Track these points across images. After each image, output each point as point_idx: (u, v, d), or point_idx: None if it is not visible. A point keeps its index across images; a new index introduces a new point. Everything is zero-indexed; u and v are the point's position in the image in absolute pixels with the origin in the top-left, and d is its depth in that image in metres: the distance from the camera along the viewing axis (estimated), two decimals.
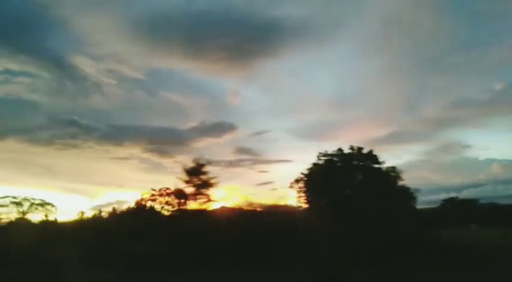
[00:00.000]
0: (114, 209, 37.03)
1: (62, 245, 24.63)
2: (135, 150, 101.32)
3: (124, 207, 38.88)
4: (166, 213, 27.00)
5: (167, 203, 26.51)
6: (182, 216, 24.85)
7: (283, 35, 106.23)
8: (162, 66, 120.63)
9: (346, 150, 31.89)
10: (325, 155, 32.73)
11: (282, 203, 36.24)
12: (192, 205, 24.81)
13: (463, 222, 61.14)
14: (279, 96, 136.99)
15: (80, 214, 42.25)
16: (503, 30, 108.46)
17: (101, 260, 21.09)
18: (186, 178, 24.95)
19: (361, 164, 30.67)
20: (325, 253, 19.15)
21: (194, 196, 24.58)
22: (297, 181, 32.78)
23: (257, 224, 23.73)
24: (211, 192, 25.08)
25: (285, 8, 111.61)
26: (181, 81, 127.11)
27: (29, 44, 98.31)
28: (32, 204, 38.22)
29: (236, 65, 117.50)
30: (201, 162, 25.48)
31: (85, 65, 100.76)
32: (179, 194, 25.13)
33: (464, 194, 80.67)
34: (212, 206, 25.72)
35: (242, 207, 31.63)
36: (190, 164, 25.12)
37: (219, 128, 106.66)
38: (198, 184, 24.73)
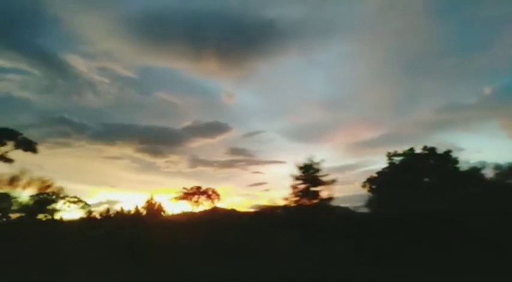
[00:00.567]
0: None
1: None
2: (128, 150, 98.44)
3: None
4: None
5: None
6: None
7: (277, 36, 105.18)
8: (155, 65, 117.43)
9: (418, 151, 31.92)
10: (395, 154, 32.52)
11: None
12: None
13: None
14: (273, 97, 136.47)
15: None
16: (493, 35, 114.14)
17: None
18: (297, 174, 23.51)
19: (437, 164, 30.72)
20: None
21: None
22: (369, 180, 32.33)
23: None
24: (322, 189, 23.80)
25: (279, 9, 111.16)
26: (174, 81, 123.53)
27: (20, 41, 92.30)
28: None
29: (230, 65, 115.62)
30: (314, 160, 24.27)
31: (77, 63, 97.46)
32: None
33: None
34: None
35: None
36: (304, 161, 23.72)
37: (212, 128, 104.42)
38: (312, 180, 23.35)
